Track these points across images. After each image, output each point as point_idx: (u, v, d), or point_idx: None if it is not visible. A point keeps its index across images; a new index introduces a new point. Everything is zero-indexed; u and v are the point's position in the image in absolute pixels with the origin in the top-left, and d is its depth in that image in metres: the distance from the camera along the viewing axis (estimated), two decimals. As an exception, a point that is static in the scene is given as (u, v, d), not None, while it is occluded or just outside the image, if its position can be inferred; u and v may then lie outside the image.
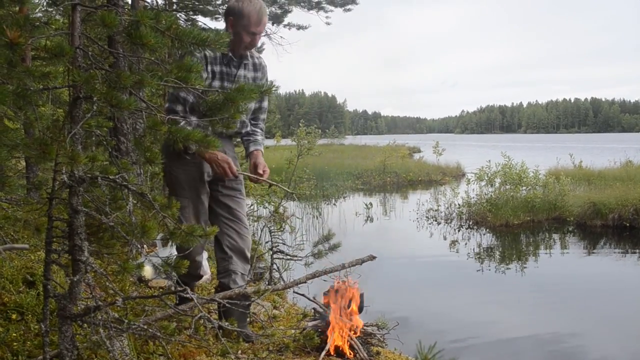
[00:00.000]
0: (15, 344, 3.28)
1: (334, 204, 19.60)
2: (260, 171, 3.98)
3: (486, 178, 16.62)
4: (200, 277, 4.54)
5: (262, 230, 10.97)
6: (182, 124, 3.37)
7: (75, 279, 2.38)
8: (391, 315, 5.84)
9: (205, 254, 5.52)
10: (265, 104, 4.26)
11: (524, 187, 16.21)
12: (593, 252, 12.58)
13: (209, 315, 2.44)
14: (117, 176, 2.36)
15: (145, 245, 6.19)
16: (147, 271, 5.48)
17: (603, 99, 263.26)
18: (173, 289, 4.17)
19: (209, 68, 3.82)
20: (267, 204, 11.80)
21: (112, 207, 2.57)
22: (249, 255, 4.17)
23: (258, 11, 3.78)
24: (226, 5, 3.78)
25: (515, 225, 15.00)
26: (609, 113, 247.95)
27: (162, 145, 3.81)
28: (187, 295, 2.32)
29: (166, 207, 2.33)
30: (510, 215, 15.06)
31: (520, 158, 17.71)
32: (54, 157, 2.41)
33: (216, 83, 3.86)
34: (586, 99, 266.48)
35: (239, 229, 4.12)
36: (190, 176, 3.97)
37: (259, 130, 4.26)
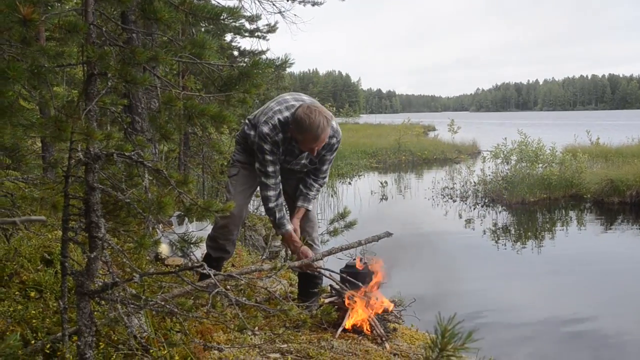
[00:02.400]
0: (34, 321, 3.30)
1: (349, 183, 19.58)
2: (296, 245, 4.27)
3: (502, 156, 16.51)
4: (229, 253, 4.58)
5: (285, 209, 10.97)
6: (273, 206, 4.17)
7: (92, 256, 2.38)
8: (407, 293, 5.84)
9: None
10: (326, 167, 4.36)
11: (540, 165, 16.09)
12: (610, 229, 12.50)
13: (226, 291, 2.44)
14: (132, 153, 2.35)
15: (161, 224, 6.21)
16: (164, 249, 5.50)
17: (621, 75, 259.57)
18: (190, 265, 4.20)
19: (281, 148, 4.06)
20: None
21: (128, 184, 2.57)
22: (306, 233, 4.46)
23: (316, 131, 3.82)
24: None
25: (532, 202, 14.92)
26: (627, 89, 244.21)
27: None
28: (204, 271, 2.32)
29: (182, 183, 2.32)
30: (526, 193, 14.97)
31: (537, 135, 17.54)
32: (70, 135, 2.40)
33: (281, 157, 4.12)
34: (604, 75, 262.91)
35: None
36: (249, 149, 4.26)
37: (316, 186, 4.40)
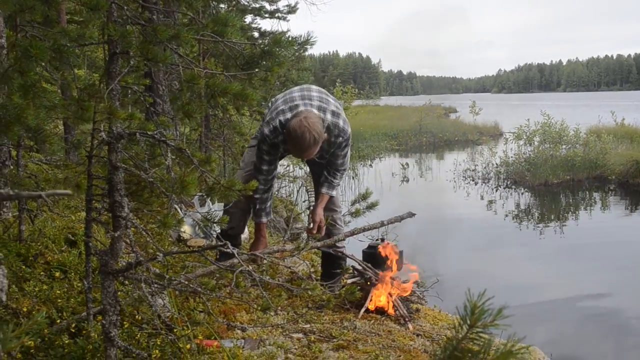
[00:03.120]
0: (59, 300, 3.34)
1: (370, 165, 19.50)
2: (314, 229, 4.30)
3: (525, 137, 16.32)
4: (236, 225, 4.65)
5: (298, 191, 11.00)
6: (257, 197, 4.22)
7: (116, 235, 2.39)
8: (429, 274, 5.82)
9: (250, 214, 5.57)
10: (340, 161, 4.34)
11: (564, 146, 15.89)
12: (635, 211, 12.35)
13: (250, 269, 2.44)
14: (155, 132, 2.34)
15: (182, 205, 6.24)
16: (186, 230, 5.53)
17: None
18: (213, 244, 4.24)
19: (281, 148, 4.12)
20: (303, 165, 11.79)
21: (151, 164, 2.56)
22: (328, 214, 4.50)
23: (301, 146, 3.87)
24: None
25: (555, 184, 14.77)
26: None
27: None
28: (228, 250, 2.31)
29: (205, 162, 2.30)
30: (549, 174, 14.81)
31: (560, 116, 17.31)
32: (92, 114, 2.40)
33: (285, 154, 4.30)
34: (629, 55, 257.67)
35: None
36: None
37: (338, 175, 4.43)
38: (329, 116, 4.04)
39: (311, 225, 4.32)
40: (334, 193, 4.44)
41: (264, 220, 4.35)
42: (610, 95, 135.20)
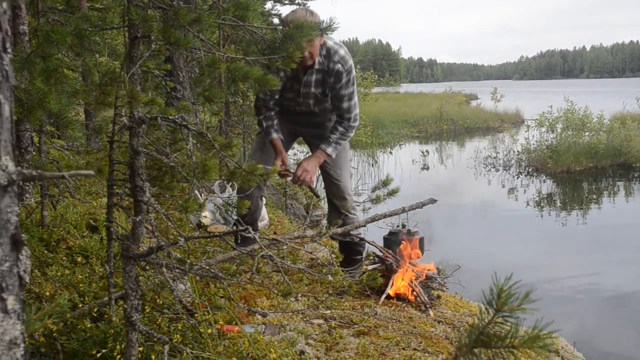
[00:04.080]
0: (81, 285, 3.37)
1: (390, 152, 19.39)
2: (298, 173, 4.12)
3: (547, 124, 16.13)
4: (256, 225, 4.63)
5: (317, 178, 10.97)
6: (261, 119, 4.18)
7: (137, 219, 2.39)
8: (450, 261, 5.78)
9: (263, 199, 5.55)
10: (345, 104, 4.15)
11: (587, 133, 15.68)
12: (661, 199, 12.18)
13: (271, 254, 2.43)
14: (176, 116, 2.33)
15: (203, 190, 6.27)
16: (206, 217, 5.55)
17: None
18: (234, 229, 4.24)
19: (281, 74, 3.87)
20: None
21: (172, 149, 2.56)
22: (340, 203, 4.43)
23: (297, 20, 3.74)
24: None
25: (577, 171, 14.59)
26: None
27: None
28: (249, 235, 2.31)
29: (226, 147, 2.29)
30: (572, 162, 14.63)
31: (584, 103, 17.08)
32: (114, 98, 2.40)
33: (287, 83, 4.07)
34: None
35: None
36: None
37: (340, 129, 4.22)
38: (330, 42, 3.98)
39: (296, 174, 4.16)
40: (330, 150, 4.20)
41: (275, 136, 4.17)
42: (636, 81, 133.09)
